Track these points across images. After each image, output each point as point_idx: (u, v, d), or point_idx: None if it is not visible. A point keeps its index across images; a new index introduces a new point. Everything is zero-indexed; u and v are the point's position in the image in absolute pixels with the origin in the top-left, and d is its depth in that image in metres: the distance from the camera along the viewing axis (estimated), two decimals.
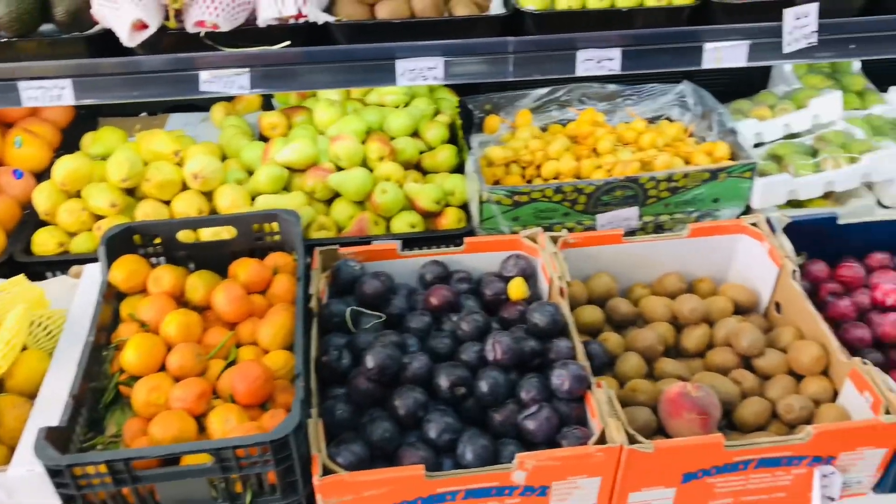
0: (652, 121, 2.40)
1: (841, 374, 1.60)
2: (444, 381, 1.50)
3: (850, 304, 1.83)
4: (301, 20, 1.77)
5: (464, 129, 2.31)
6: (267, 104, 2.56)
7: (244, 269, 1.67)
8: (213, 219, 1.81)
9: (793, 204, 2.21)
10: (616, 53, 1.91)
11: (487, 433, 1.48)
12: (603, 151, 2.20)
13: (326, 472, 1.32)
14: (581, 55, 1.91)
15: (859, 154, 2.17)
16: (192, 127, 2.48)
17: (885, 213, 1.98)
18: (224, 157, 2.24)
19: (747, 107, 2.45)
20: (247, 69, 1.81)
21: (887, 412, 1.45)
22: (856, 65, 2.71)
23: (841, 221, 1.94)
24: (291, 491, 1.35)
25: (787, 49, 1.96)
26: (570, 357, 1.57)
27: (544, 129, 2.36)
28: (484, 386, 1.51)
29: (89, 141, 2.26)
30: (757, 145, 2.34)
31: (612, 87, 2.43)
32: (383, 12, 1.81)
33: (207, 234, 1.87)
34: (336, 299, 1.70)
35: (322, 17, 1.77)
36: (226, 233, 1.82)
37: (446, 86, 2.54)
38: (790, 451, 1.45)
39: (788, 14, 1.92)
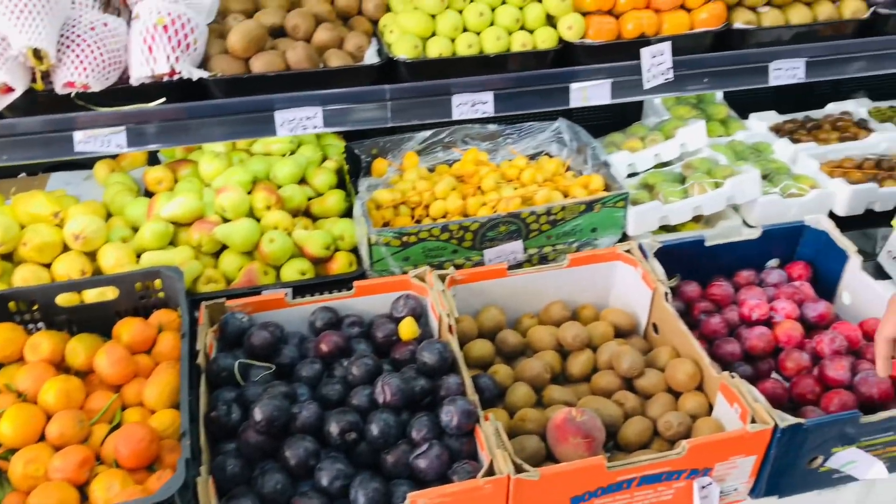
0: (532, 157, 2.50)
1: (713, 389, 1.70)
2: (334, 428, 1.52)
3: (721, 320, 1.94)
4: (175, 77, 1.78)
5: (351, 174, 2.35)
6: (153, 159, 2.54)
7: (127, 329, 1.65)
8: (93, 280, 1.78)
9: (667, 229, 2.33)
10: (488, 97, 1.99)
11: (381, 476, 1.50)
12: (487, 189, 2.27)
13: None
14: (456, 99, 1.98)
15: (723, 179, 2.32)
16: (74, 186, 2.44)
17: (749, 232, 2.12)
18: (108, 216, 2.21)
19: (620, 139, 2.59)
20: (122, 127, 1.80)
21: (753, 421, 1.55)
22: (718, 95, 2.91)
23: (708, 243, 2.07)
24: None
25: (647, 85, 2.08)
26: (460, 393, 1.62)
27: (431, 170, 2.43)
28: (375, 429, 1.53)
29: None
30: (631, 175, 2.48)
31: (492, 127, 2.52)
32: (258, 66, 1.84)
33: (91, 296, 1.83)
34: (224, 353, 1.70)
35: (196, 74, 1.78)
36: (109, 293, 1.79)
37: (334, 132, 2.58)
38: (668, 466, 1.52)
39: (645, 53, 2.05)
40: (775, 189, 2.38)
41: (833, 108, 2.88)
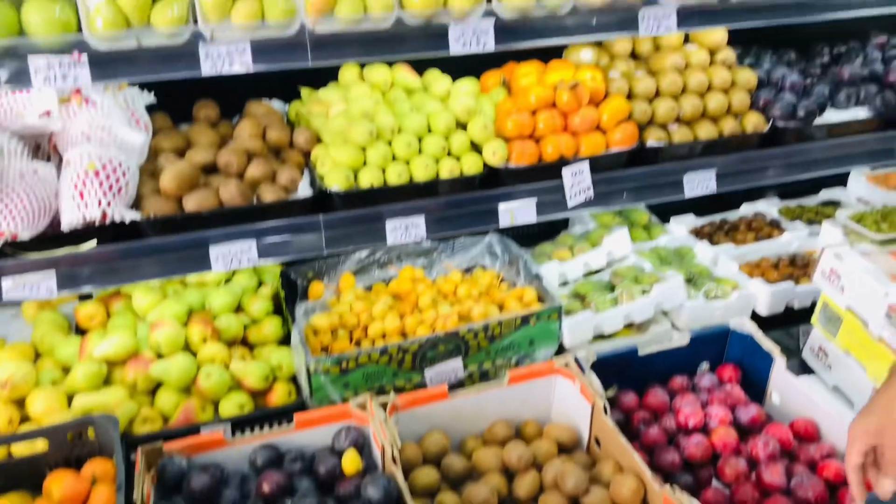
0: (467, 270, 2.56)
1: (658, 502, 1.72)
2: None
3: (659, 430, 1.98)
4: (106, 221, 1.78)
5: (288, 298, 2.35)
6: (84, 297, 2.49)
7: (58, 484, 1.59)
8: (21, 435, 1.71)
9: (603, 337, 2.40)
10: (420, 221, 2.06)
11: None
12: (424, 307, 2.30)
13: None
14: (389, 225, 2.04)
15: (650, 285, 2.41)
16: (1, 325, 2.37)
17: (679, 338, 2.19)
18: (37, 356, 2.15)
19: (550, 249, 2.67)
20: (52, 272, 1.78)
21: None
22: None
23: (642, 353, 2.13)
24: None
25: (570, 204, 2.19)
26: None
27: (369, 289, 2.45)
28: None
29: None
30: (562, 284, 2.55)
31: (427, 243, 2.57)
32: (191, 204, 1.86)
33: (20, 448, 1.76)
34: (164, 501, 1.64)
35: (128, 216, 1.79)
36: (39, 445, 1.72)
37: None
38: None
39: (566, 172, 2.16)
40: (699, 293, 2.48)
41: (747, 208, 3.04)
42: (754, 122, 2.37)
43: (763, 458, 1.87)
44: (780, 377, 2.12)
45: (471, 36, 1.87)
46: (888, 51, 2.84)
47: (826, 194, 3.18)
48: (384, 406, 1.88)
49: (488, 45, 1.90)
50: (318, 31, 1.76)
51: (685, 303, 2.43)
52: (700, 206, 3.05)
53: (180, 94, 2.17)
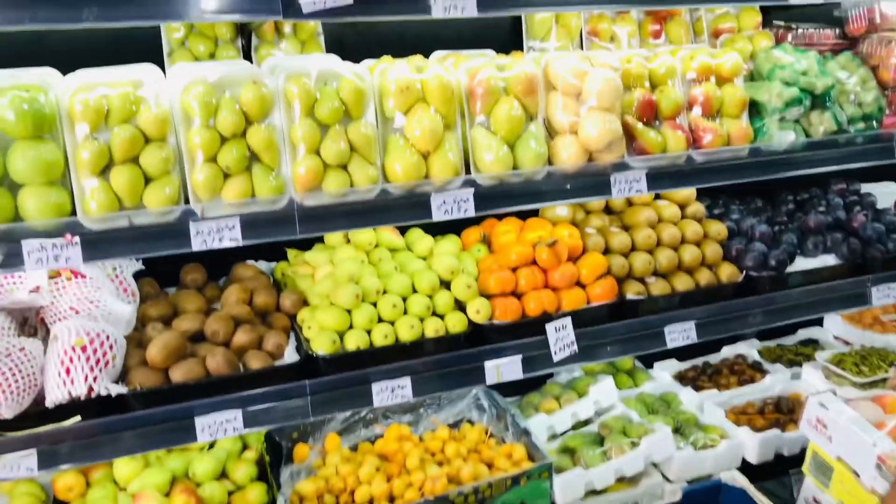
0: (454, 425, 2.54)
1: None
2: None
3: None
4: (92, 395, 1.77)
5: (273, 462, 2.31)
6: None
7: None
8: None
9: (595, 492, 2.35)
10: (407, 382, 2.06)
11: None
12: (412, 468, 2.26)
13: None
14: (375, 387, 2.04)
15: (638, 438, 2.40)
16: None
17: (670, 493, 2.17)
18: None
19: (537, 400, 2.67)
20: (33, 450, 1.75)
21: None
22: None
23: None
24: None
25: (556, 358, 2.21)
26: None
27: (354, 449, 2.41)
28: None
29: None
30: (551, 437, 2.53)
31: (413, 399, 2.55)
32: (178, 375, 1.86)
33: None
34: None
35: (115, 390, 1.79)
36: None
37: None
38: None
39: (550, 328, 2.19)
40: (688, 442, 2.47)
41: (728, 351, 3.08)
42: (729, 273, 2.45)
43: None
44: None
45: (452, 204, 1.95)
46: (848, 197, 2.98)
47: (804, 333, 3.23)
48: None
49: (469, 211, 1.97)
50: (305, 204, 1.83)
51: (674, 454, 2.41)
52: (682, 349, 3.08)
53: (167, 258, 2.21)
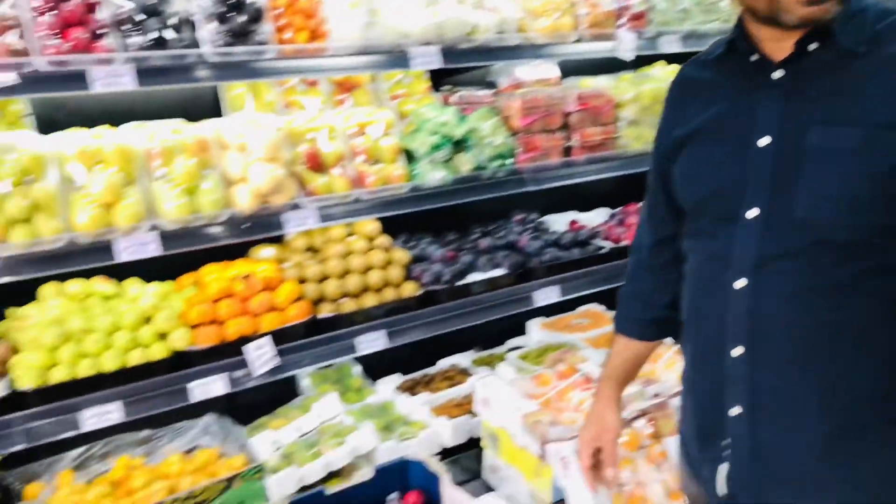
0: (188, 452, 2.81)
1: None
2: None
3: None
4: None
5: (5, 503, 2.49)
6: None
7: None
8: None
9: (308, 487, 2.70)
10: (115, 406, 2.35)
11: None
12: (137, 488, 2.52)
13: None
14: (85, 414, 2.31)
15: (346, 437, 2.79)
16: None
17: (364, 472, 2.56)
18: None
19: (267, 420, 3.00)
20: None
21: None
22: (356, 369, 3.49)
23: (328, 492, 2.47)
24: None
25: (257, 373, 2.58)
26: None
27: (90, 482, 2.63)
28: None
29: None
30: (277, 450, 2.87)
31: (145, 432, 2.82)
32: None
33: None
34: None
35: None
36: None
37: None
38: None
39: (249, 348, 2.56)
40: (393, 436, 2.89)
41: (444, 363, 3.57)
42: (410, 289, 2.95)
43: None
44: (449, 492, 2.53)
45: (137, 245, 2.30)
46: (526, 224, 3.62)
47: (512, 342, 3.80)
48: None
49: (154, 251, 2.34)
50: None
51: (379, 446, 2.82)
52: (406, 363, 3.54)
53: None
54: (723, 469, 1.56)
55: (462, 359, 3.61)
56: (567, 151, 3.23)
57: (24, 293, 2.61)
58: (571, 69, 3.73)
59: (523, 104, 3.10)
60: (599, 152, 3.29)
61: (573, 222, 3.71)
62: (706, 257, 1.58)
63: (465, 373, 3.45)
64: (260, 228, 2.54)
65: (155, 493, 2.45)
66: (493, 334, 3.74)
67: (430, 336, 3.02)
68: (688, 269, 1.66)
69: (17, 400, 2.24)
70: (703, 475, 1.64)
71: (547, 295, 3.21)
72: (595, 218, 3.86)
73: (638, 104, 3.37)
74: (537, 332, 3.77)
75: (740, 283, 1.47)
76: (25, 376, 2.25)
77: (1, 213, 2.13)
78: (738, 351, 1.49)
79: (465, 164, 2.95)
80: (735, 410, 1.51)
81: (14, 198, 2.14)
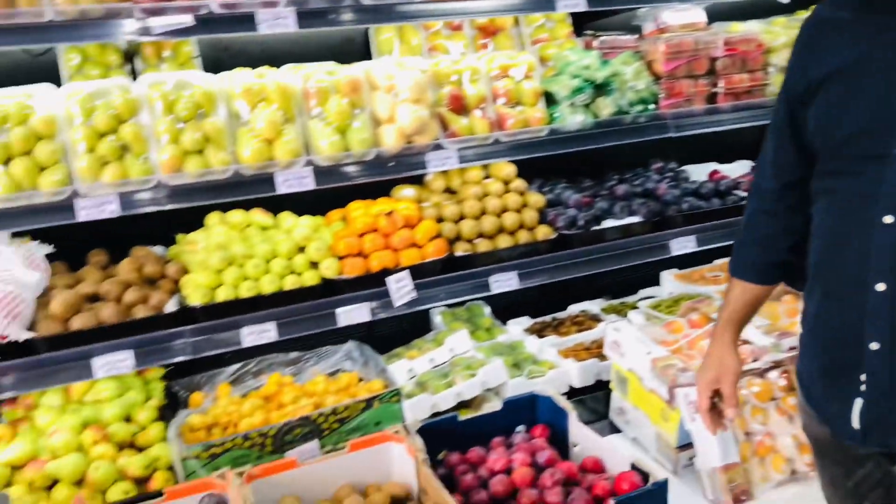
0: (332, 375, 3.03)
1: None
2: None
3: (474, 477, 2.42)
4: (5, 340, 2.25)
5: (172, 408, 2.78)
6: None
7: None
8: None
9: (440, 414, 2.85)
10: (271, 326, 2.56)
11: None
12: (287, 403, 2.75)
13: None
14: (245, 331, 2.54)
15: (477, 370, 2.91)
16: None
17: (493, 403, 2.67)
18: None
19: (402, 351, 3.17)
20: None
21: None
22: (486, 309, 3.59)
23: (460, 419, 2.60)
24: None
25: (396, 304, 2.73)
26: None
27: (244, 397, 2.89)
28: None
29: None
30: (412, 378, 3.03)
31: (294, 354, 3.05)
32: (76, 324, 2.34)
33: None
34: None
35: (23, 335, 2.26)
36: None
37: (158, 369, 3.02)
38: None
39: (391, 280, 2.71)
40: (522, 374, 2.99)
41: (574, 308, 3.62)
42: (544, 233, 3.00)
43: (549, 485, 2.31)
44: (576, 429, 2.60)
45: (294, 180, 2.47)
46: (665, 173, 3.57)
47: (643, 292, 3.79)
48: (240, 475, 2.29)
49: (309, 185, 2.50)
50: (171, 183, 2.35)
51: (508, 381, 2.93)
52: (535, 308, 3.62)
53: (79, 245, 2.72)
54: (857, 404, 1.57)
55: (592, 305, 3.64)
56: (712, 98, 3.15)
57: (191, 221, 2.87)
58: (721, 14, 3.59)
59: (668, 48, 3.04)
60: (746, 100, 3.19)
61: (714, 172, 3.62)
62: (849, 196, 1.56)
63: (594, 319, 3.49)
64: (404, 167, 2.66)
65: (302, 408, 2.67)
66: (625, 284, 3.75)
67: (561, 281, 3.07)
68: (820, 210, 1.65)
69: (187, 315, 2.49)
70: (828, 413, 1.64)
71: (683, 244, 3.18)
72: (737, 169, 3.75)
73: (790, 50, 3.22)
74: (671, 282, 3.74)
75: (889, 219, 1.46)
76: (194, 294, 2.50)
77: (177, 144, 2.34)
78: (881, 286, 1.49)
79: (606, 108, 2.94)
80: (874, 346, 1.51)
81: (188, 131, 2.35)
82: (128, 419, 2.73)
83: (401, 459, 2.47)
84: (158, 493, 2.25)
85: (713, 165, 3.82)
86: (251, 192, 2.44)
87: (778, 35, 3.24)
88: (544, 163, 3.10)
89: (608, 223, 3.13)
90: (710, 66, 3.13)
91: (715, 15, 3.57)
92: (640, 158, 3.68)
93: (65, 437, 2.48)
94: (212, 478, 2.28)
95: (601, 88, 2.97)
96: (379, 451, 2.50)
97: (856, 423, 1.57)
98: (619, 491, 2.23)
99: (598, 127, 2.94)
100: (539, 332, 3.41)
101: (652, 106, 3.03)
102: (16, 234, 2.71)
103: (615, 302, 3.71)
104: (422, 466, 2.35)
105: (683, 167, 3.73)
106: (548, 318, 3.57)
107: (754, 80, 3.19)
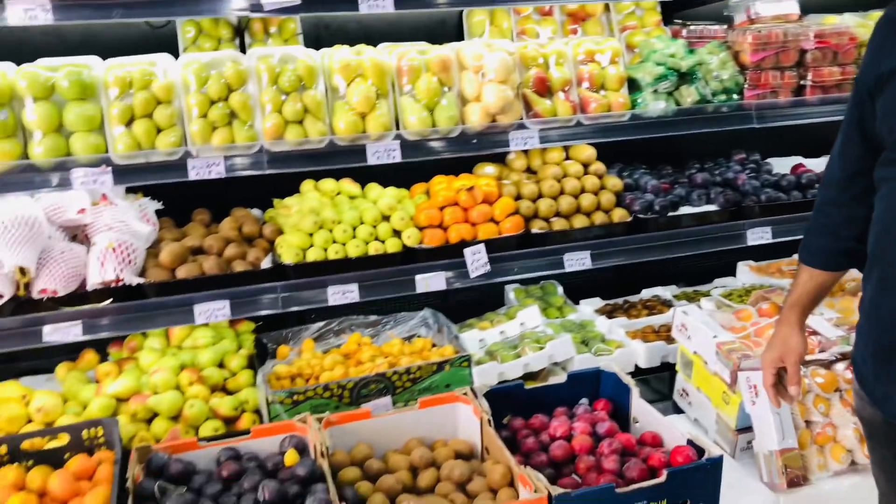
0: (408, 339, 3.21)
1: (517, 481, 2.28)
2: None
3: (535, 441, 2.55)
4: (120, 283, 2.50)
5: (261, 358, 3.01)
6: (103, 360, 3.17)
7: (75, 462, 2.21)
8: (52, 430, 2.35)
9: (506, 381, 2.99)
10: (354, 287, 2.75)
11: None
12: (365, 360, 2.94)
13: None
14: (330, 290, 2.73)
15: (546, 343, 3.03)
16: (38, 386, 3.03)
17: (559, 376, 2.79)
18: (65, 402, 2.80)
19: (475, 322, 3.32)
20: (79, 321, 2.48)
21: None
22: (559, 289, 3.70)
23: (527, 387, 2.73)
24: None
25: (472, 275, 2.87)
26: (323, 492, 2.17)
27: (326, 352, 3.10)
28: None
29: None
30: (482, 348, 3.18)
31: (373, 317, 3.24)
32: (181, 273, 2.58)
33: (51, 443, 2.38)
34: (148, 479, 2.24)
35: (135, 280, 2.51)
36: (63, 439, 2.35)
37: (249, 322, 3.25)
38: None
39: (467, 252, 2.85)
40: (589, 351, 3.09)
41: (646, 293, 3.69)
42: (620, 215, 3.08)
43: (606, 453, 2.42)
44: (637, 404, 2.69)
45: (383, 152, 2.64)
46: (746, 164, 3.58)
47: (719, 282, 3.81)
48: (319, 420, 2.49)
49: (396, 158, 2.66)
50: (272, 150, 2.55)
51: (575, 356, 3.04)
52: (607, 290, 3.70)
53: (185, 203, 2.97)
54: None
55: (665, 291, 3.70)
56: (799, 91, 3.15)
57: (285, 187, 3.09)
58: (816, 5, 3.56)
59: (755, 39, 3.05)
60: (835, 94, 3.17)
61: (798, 166, 3.61)
62: None
63: (665, 304, 3.55)
64: (487, 145, 2.79)
65: (378, 366, 2.85)
66: (699, 272, 3.79)
67: (636, 264, 3.15)
68: (880, 198, 1.71)
69: (280, 271, 2.70)
70: (877, 394, 1.70)
71: (759, 235, 3.20)
72: (822, 164, 3.71)
73: None
74: (745, 274, 3.76)
75: None
76: (287, 253, 2.70)
77: (279, 114, 2.53)
78: None
79: (689, 96, 2.99)
80: None
81: (290, 102, 2.54)
82: (220, 365, 2.98)
83: (467, 419, 2.62)
84: (246, 432, 2.48)
85: (798, 159, 3.80)
86: (343, 161, 2.62)
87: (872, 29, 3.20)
88: (625, 147, 3.17)
89: (684, 210, 3.18)
90: (798, 58, 3.12)
91: (810, 7, 3.54)
92: (722, 149, 3.70)
93: (164, 377, 2.74)
94: (293, 421, 2.49)
95: (685, 77, 3.02)
96: (447, 410, 2.65)
97: None
98: (674, 463, 2.33)
99: (680, 114, 2.99)
100: (609, 313, 3.50)
101: (736, 96, 3.05)
102: (129, 190, 2.99)
103: (688, 289, 3.76)
104: (486, 427, 2.49)
105: (768, 160, 3.73)
106: (619, 300, 3.65)
107: (845, 73, 3.17)
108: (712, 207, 3.20)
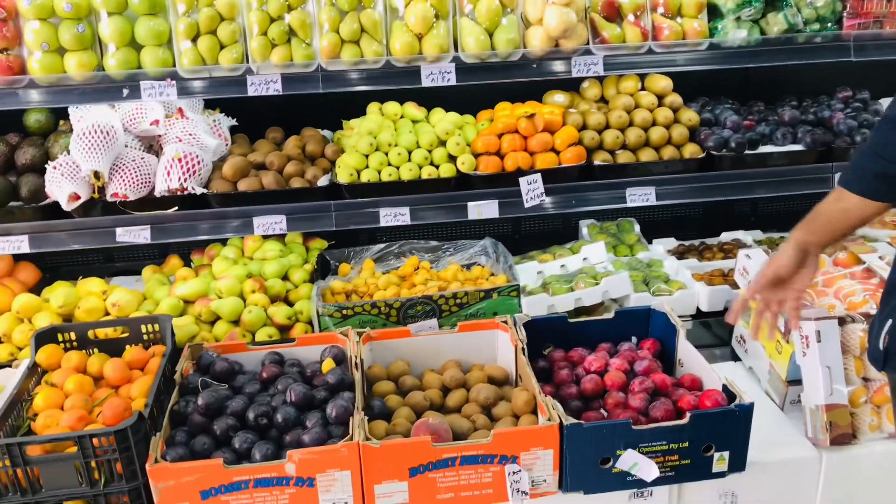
0: (467, 266, 3.24)
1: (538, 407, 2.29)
2: (251, 414, 2.20)
3: (568, 372, 2.54)
4: (185, 192, 2.67)
5: (323, 275, 3.14)
6: (187, 265, 3.41)
7: (131, 353, 2.43)
8: (112, 321, 2.58)
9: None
10: (406, 210, 2.79)
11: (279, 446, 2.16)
12: (418, 282, 3.01)
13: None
14: (382, 212, 2.79)
15: (601, 280, 2.98)
16: (126, 285, 3.31)
17: (606, 313, 2.74)
18: (144, 300, 3.05)
19: (537, 254, 3.30)
20: (148, 226, 2.68)
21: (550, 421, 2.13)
22: (636, 227, 3.59)
23: (570, 320, 2.70)
24: (133, 477, 2.01)
25: (527, 205, 2.84)
26: (350, 402, 2.28)
27: (385, 272, 3.19)
28: (279, 417, 2.20)
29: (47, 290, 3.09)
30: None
31: (434, 242, 3.29)
32: (242, 186, 2.72)
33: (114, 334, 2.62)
34: (195, 374, 2.43)
35: (199, 190, 2.67)
36: (123, 330, 2.58)
37: (321, 241, 3.38)
38: (480, 449, 2.11)
39: (523, 181, 2.82)
40: (649, 291, 3.00)
41: (726, 236, 3.51)
42: (692, 151, 2.93)
43: (636, 391, 2.38)
44: (684, 346, 2.61)
45: (437, 75, 2.63)
46: (851, 103, 3.29)
47: None
48: (360, 335, 2.58)
49: (451, 81, 2.65)
50: (328, 69, 2.60)
51: (631, 294, 2.96)
52: (686, 231, 3.55)
53: (261, 121, 3.10)
54: None
55: (746, 235, 3.51)
56: None
57: (356, 109, 3.16)
58: None
59: None
60: None
61: None
62: None
63: (744, 248, 3.37)
64: (547, 71, 2.71)
65: (429, 289, 2.91)
66: (791, 216, 3.55)
67: (717, 203, 3.01)
68: None
69: (333, 190, 2.78)
70: None
71: None
72: None
73: None
74: None
75: None
76: (342, 173, 2.78)
77: (336, 33, 2.57)
78: None
79: (776, 24, 2.77)
80: None
81: (347, 21, 2.57)
82: (285, 277, 3.14)
83: (504, 347, 2.64)
84: (292, 340, 2.62)
85: None
86: (399, 83, 2.63)
87: None
88: (711, 79, 2.99)
89: (765, 149, 2.98)
90: None
91: None
92: (825, 85, 3.41)
93: (229, 283, 2.91)
94: (336, 333, 2.60)
95: (773, 2, 2.79)
96: (486, 336, 2.69)
97: None
98: (702, 406, 2.26)
99: (765, 44, 2.78)
100: (682, 254, 3.37)
101: (831, 25, 2.79)
102: (209, 106, 3.15)
103: (775, 235, 3.54)
104: (520, 355, 2.51)
105: (880, 101, 3.40)
106: (696, 241, 3.50)
107: None
108: (796, 147, 2.98)
